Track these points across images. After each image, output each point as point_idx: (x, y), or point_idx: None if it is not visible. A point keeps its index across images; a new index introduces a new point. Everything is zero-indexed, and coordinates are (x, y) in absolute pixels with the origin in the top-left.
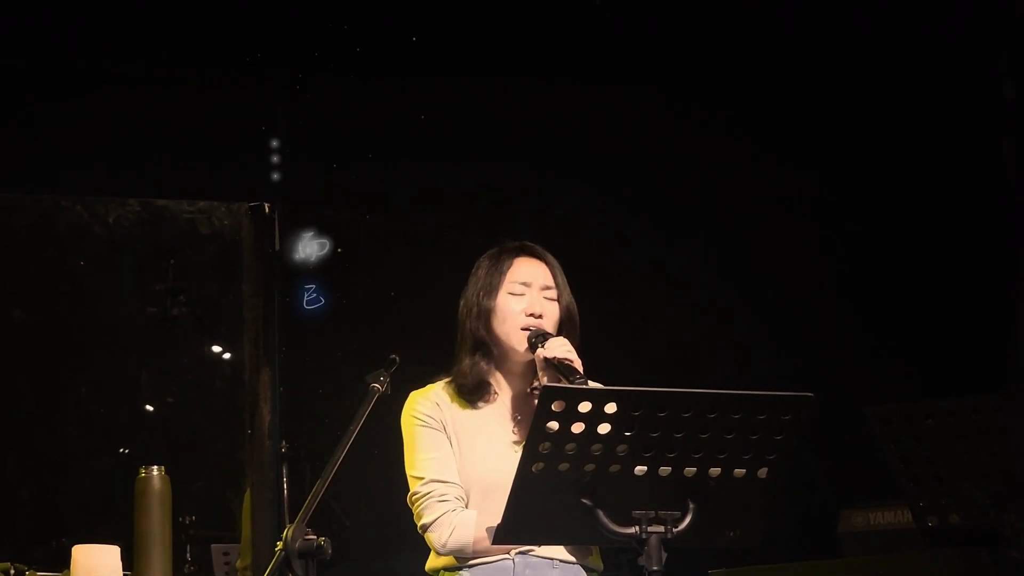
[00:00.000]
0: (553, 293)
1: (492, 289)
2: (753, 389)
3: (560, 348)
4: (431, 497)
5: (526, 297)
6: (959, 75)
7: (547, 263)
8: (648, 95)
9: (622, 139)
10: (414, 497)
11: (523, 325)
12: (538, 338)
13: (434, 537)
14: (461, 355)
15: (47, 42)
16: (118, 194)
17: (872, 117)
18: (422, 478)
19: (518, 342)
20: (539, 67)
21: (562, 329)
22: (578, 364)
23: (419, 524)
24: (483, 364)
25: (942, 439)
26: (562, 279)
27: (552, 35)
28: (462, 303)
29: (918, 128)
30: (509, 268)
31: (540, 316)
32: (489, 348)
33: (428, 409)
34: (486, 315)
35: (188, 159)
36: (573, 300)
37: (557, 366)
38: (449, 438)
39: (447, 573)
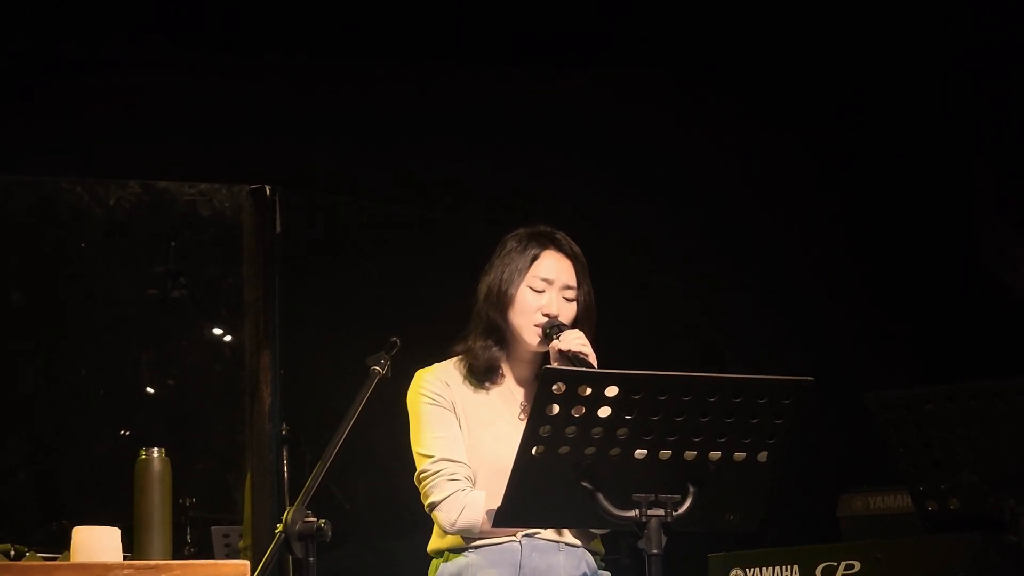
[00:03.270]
0: (573, 293)
1: (513, 279)
2: (754, 373)
3: (575, 341)
4: (441, 476)
5: (545, 295)
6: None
7: (573, 260)
8: (656, 79)
9: (630, 126)
10: (423, 475)
11: (536, 322)
12: (553, 329)
13: (442, 516)
14: (474, 335)
15: (47, 23)
16: (118, 176)
17: (878, 101)
18: (431, 456)
19: (531, 336)
20: (549, 52)
21: (577, 325)
22: (592, 358)
23: (427, 502)
24: (495, 350)
25: (941, 425)
26: (584, 276)
27: (564, 18)
28: (484, 283)
29: (924, 114)
30: (534, 261)
31: (556, 317)
32: (503, 334)
33: (436, 388)
34: (504, 304)
35: (189, 141)
36: (592, 294)
37: (571, 358)
38: (458, 419)
39: (452, 554)
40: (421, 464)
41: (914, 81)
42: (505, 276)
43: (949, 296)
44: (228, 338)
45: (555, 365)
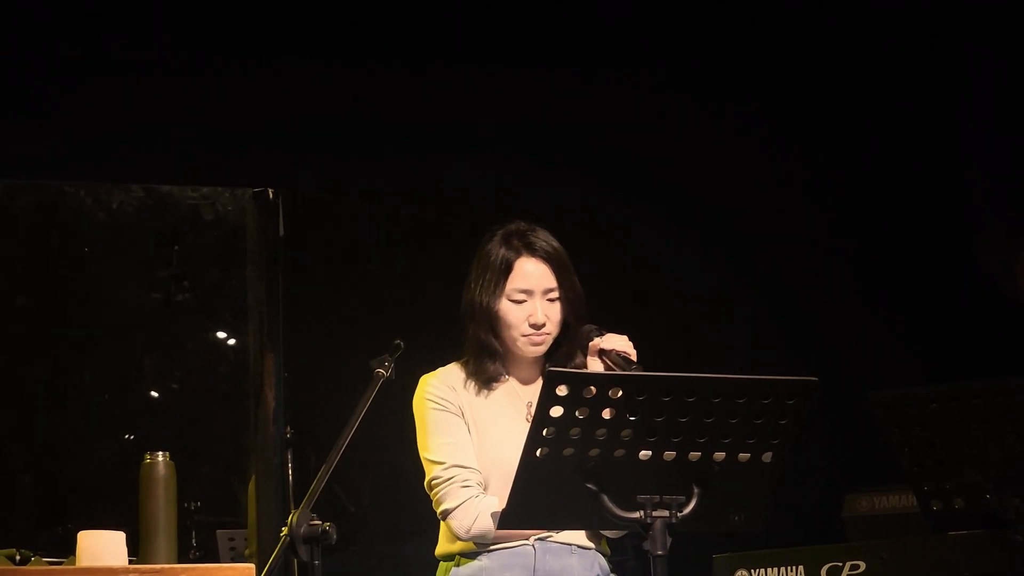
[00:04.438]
0: (555, 294)
1: (493, 294)
2: (757, 374)
3: (619, 342)
4: (454, 482)
5: (528, 303)
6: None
7: (548, 261)
8: (646, 82)
9: (623, 128)
10: (435, 482)
11: (524, 332)
12: (594, 331)
13: (456, 523)
14: (468, 352)
15: (50, 27)
16: (121, 180)
17: (876, 102)
18: (442, 462)
19: (524, 346)
20: (548, 55)
21: (569, 320)
22: (634, 356)
23: (439, 509)
24: (489, 364)
25: (945, 424)
26: (564, 272)
27: (558, 23)
28: (466, 299)
29: (922, 116)
30: (511, 273)
31: (543, 325)
32: (494, 348)
33: (443, 392)
34: (490, 320)
35: (191, 144)
36: (577, 285)
37: (612, 357)
38: (467, 423)
39: (464, 559)
40: (431, 471)
41: (911, 83)
42: (484, 292)
43: (952, 295)
44: (232, 341)
45: (592, 360)
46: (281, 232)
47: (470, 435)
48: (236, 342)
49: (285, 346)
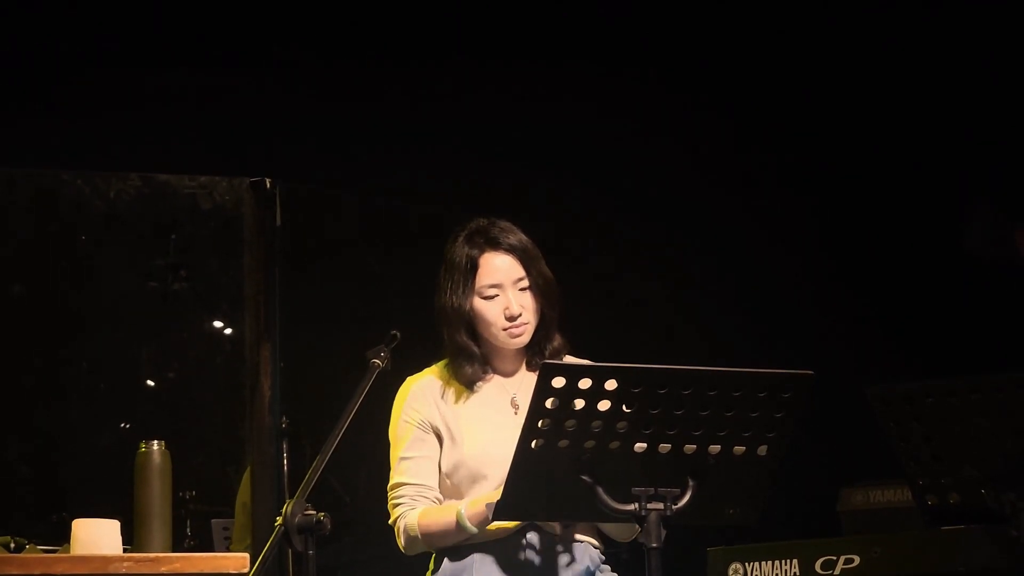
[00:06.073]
0: (525, 283)
1: (464, 295)
2: (752, 368)
3: None
4: (392, 501)
5: (500, 297)
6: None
7: (512, 252)
8: (636, 80)
9: (613, 125)
10: (388, 494)
11: (503, 326)
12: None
13: (398, 540)
14: (448, 355)
15: (49, 17)
16: (119, 168)
17: (868, 95)
18: (392, 480)
19: (504, 339)
20: (549, 54)
21: (542, 308)
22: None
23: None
24: (468, 368)
25: (942, 419)
26: (530, 260)
27: (553, 20)
28: (438, 304)
29: (918, 104)
30: (475, 271)
31: (519, 315)
32: (472, 350)
33: (418, 405)
34: (465, 321)
35: (189, 133)
36: (546, 271)
37: None
38: (441, 434)
39: (456, 551)
40: (390, 481)
41: (912, 83)
42: (454, 295)
43: (949, 290)
44: (228, 331)
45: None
46: (278, 222)
47: (441, 447)
48: (232, 332)
49: (281, 336)
